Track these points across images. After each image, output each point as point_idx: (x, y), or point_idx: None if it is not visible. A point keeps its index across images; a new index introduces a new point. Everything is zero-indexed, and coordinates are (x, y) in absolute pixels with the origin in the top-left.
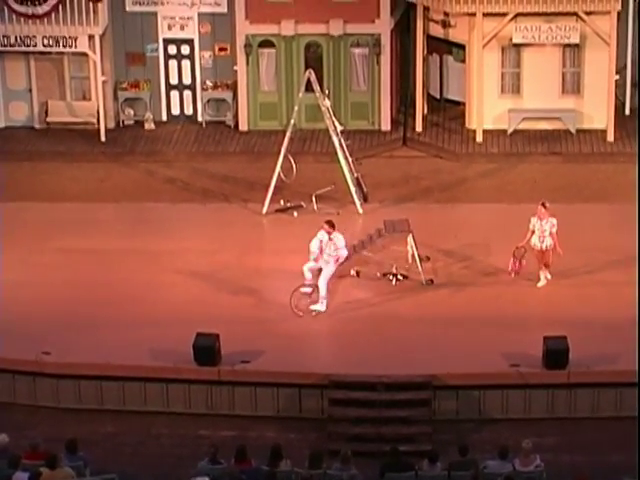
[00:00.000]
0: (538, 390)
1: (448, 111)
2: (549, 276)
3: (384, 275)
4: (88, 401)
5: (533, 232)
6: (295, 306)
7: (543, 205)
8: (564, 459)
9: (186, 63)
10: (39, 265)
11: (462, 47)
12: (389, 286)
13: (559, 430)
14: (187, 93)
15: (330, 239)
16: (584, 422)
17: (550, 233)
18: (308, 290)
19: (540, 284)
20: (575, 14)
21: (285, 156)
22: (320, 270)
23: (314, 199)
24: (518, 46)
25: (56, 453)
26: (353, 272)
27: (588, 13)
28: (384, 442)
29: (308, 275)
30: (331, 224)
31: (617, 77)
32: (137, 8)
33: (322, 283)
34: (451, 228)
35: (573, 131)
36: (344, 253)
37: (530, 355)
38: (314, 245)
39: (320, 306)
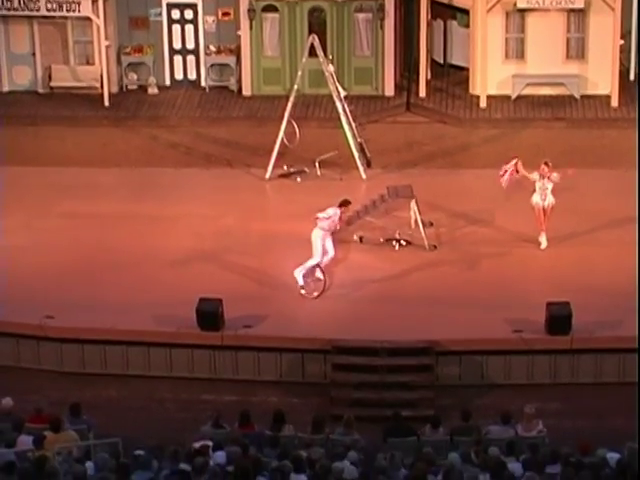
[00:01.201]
0: (541, 356)
1: (452, 76)
2: (545, 241)
3: (387, 241)
4: (92, 365)
5: (535, 190)
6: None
7: (546, 164)
8: (566, 424)
9: (189, 28)
10: (42, 230)
11: (466, 12)
12: (392, 251)
13: (562, 396)
14: (190, 58)
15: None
16: (587, 388)
17: (551, 190)
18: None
19: (543, 246)
20: None
21: (288, 121)
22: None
23: (317, 164)
24: (522, 11)
25: (60, 417)
26: (356, 237)
27: None
28: (386, 407)
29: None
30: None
31: (622, 42)
32: None
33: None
34: (454, 194)
35: (577, 96)
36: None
37: (533, 321)
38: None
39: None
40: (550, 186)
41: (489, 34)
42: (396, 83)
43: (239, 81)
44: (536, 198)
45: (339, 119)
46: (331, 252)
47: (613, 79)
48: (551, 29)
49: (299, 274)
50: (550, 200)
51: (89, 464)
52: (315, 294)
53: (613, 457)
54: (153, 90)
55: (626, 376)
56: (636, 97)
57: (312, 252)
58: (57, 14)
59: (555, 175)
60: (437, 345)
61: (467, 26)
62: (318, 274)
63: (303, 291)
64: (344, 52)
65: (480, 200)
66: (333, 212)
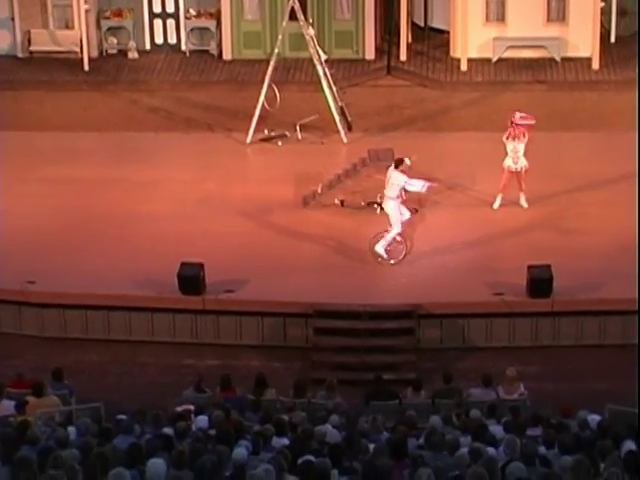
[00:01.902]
0: (522, 318)
1: (432, 40)
2: (525, 203)
3: (368, 204)
4: (73, 330)
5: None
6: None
7: (512, 124)
8: (548, 387)
9: None
10: (22, 195)
11: None
12: (373, 215)
13: (543, 358)
14: (170, 22)
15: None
16: (568, 350)
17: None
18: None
19: (496, 206)
20: None
21: (269, 85)
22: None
23: (298, 128)
24: None
25: (42, 381)
26: (337, 201)
27: None
28: (368, 371)
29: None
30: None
31: (602, 4)
32: None
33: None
34: (435, 157)
35: (558, 59)
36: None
37: (514, 284)
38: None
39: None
40: (522, 148)
41: None
42: (377, 46)
43: (219, 45)
44: (508, 161)
45: (320, 83)
46: (405, 214)
47: (594, 41)
48: None
49: (381, 248)
50: (523, 163)
51: (71, 429)
52: (400, 257)
53: (594, 419)
54: (133, 54)
55: (606, 338)
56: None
57: (391, 223)
58: None
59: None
60: (419, 308)
61: None
62: (397, 238)
63: (392, 261)
64: (324, 15)
65: (461, 163)
66: (395, 178)
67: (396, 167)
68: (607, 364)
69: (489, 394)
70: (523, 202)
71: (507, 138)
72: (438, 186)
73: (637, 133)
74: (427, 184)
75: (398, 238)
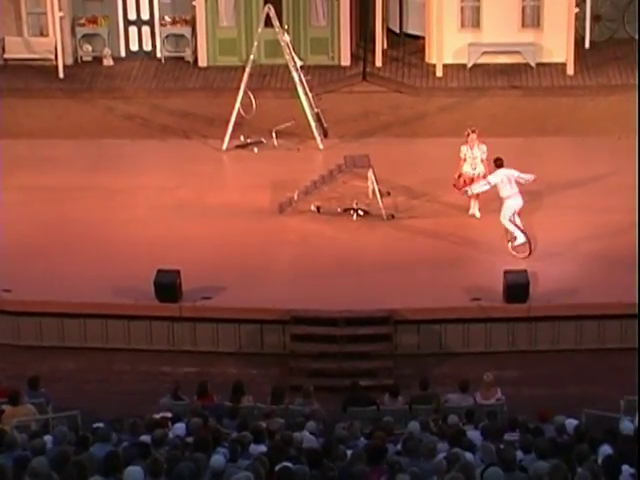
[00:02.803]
0: (499, 324)
1: (408, 45)
2: (478, 214)
3: (345, 210)
4: (49, 338)
5: (464, 160)
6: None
7: (473, 132)
8: (525, 392)
9: None
10: None
11: None
12: (350, 221)
13: (520, 363)
14: (145, 29)
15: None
16: (545, 355)
17: (481, 160)
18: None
19: (478, 215)
20: None
21: (245, 92)
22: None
23: (274, 135)
24: None
25: (18, 390)
26: (314, 207)
27: None
28: (345, 377)
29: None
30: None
31: (577, 10)
32: None
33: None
34: (411, 163)
35: (533, 65)
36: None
37: (491, 289)
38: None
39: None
40: (479, 155)
41: (445, 3)
42: (352, 53)
43: (195, 52)
44: (466, 168)
45: (295, 89)
46: (518, 203)
47: (568, 47)
48: None
49: (520, 237)
50: (480, 170)
51: (48, 437)
52: (525, 254)
53: (571, 424)
54: (108, 61)
55: (583, 343)
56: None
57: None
58: None
59: (484, 147)
60: (396, 314)
61: None
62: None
63: (521, 255)
64: (300, 22)
65: (437, 169)
66: (496, 178)
67: (499, 166)
68: (584, 369)
69: (466, 399)
70: (476, 211)
71: (467, 146)
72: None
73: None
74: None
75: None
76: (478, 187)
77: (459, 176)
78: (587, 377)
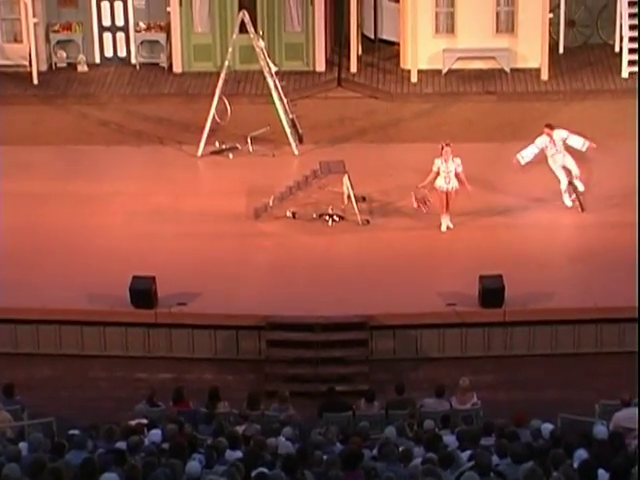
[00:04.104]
0: (474, 329)
1: (382, 51)
2: (450, 224)
3: (320, 216)
4: (24, 345)
5: (437, 174)
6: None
7: (447, 145)
8: (501, 396)
9: (119, 4)
10: None
11: None
12: (325, 227)
13: (496, 368)
14: (120, 35)
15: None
16: (520, 360)
17: (456, 173)
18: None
19: (444, 229)
20: None
21: (219, 98)
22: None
23: (249, 141)
24: None
25: None
26: (289, 213)
27: None
28: (321, 382)
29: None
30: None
31: (551, 15)
32: None
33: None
34: (386, 168)
35: (507, 70)
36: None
37: (466, 294)
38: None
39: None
40: (453, 168)
41: (419, 8)
42: (327, 58)
43: (169, 58)
44: (440, 181)
45: (270, 95)
46: (573, 169)
47: (543, 52)
48: (481, 3)
49: (567, 200)
50: (454, 184)
51: (23, 444)
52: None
53: (547, 428)
54: (83, 68)
55: (558, 348)
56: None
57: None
58: None
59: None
60: (371, 320)
61: (397, 1)
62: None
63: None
64: (274, 28)
65: (412, 174)
66: (542, 141)
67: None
68: (559, 373)
69: (442, 404)
70: (448, 223)
71: (441, 159)
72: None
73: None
74: (588, 143)
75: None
76: (527, 152)
77: (423, 187)
78: (563, 382)
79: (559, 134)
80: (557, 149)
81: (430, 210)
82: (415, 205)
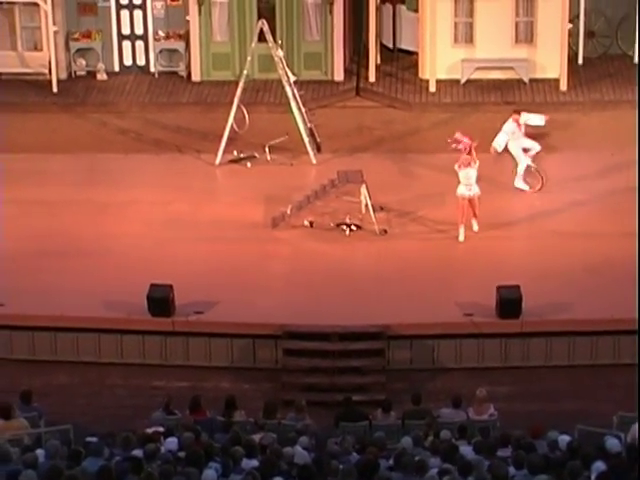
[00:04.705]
0: (492, 339)
1: (401, 61)
2: (476, 227)
3: (338, 225)
4: (42, 352)
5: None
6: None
7: (469, 153)
8: (517, 407)
9: (138, 13)
10: None
11: None
12: (343, 236)
13: (513, 379)
14: (139, 43)
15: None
16: (537, 371)
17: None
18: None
19: (461, 238)
20: None
21: (238, 106)
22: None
23: (267, 150)
24: None
25: (10, 404)
26: (307, 222)
27: None
28: (338, 392)
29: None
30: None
31: (570, 26)
32: None
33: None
34: (404, 178)
35: (526, 80)
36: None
37: (483, 304)
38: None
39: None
40: (474, 175)
41: (438, 18)
42: (345, 68)
43: (188, 66)
44: (461, 189)
45: (289, 104)
46: (534, 147)
47: (562, 63)
48: (500, 13)
49: (519, 182)
50: (475, 190)
51: (40, 451)
52: (537, 187)
53: (564, 440)
54: (102, 76)
55: (576, 359)
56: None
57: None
58: (4, 0)
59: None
60: (388, 329)
61: (416, 10)
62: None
63: (530, 189)
64: (293, 37)
65: (430, 184)
66: (510, 127)
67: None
68: (577, 385)
69: (459, 415)
70: (475, 226)
71: (459, 167)
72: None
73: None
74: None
75: (531, 168)
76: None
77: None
78: (580, 393)
79: (523, 118)
80: (522, 132)
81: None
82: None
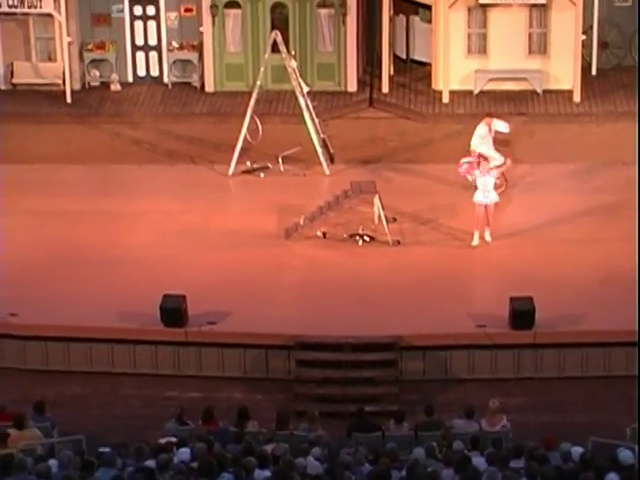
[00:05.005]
0: (504, 350)
1: (414, 72)
2: (489, 238)
3: (351, 236)
4: (55, 363)
5: (476, 188)
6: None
7: (485, 159)
8: (530, 419)
9: (152, 24)
10: (5, 227)
11: (428, 8)
12: (356, 247)
13: (525, 390)
14: (153, 54)
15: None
16: (550, 382)
17: (494, 185)
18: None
19: (475, 243)
20: None
21: (251, 117)
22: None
23: (280, 160)
24: (484, 6)
25: (23, 414)
26: (319, 233)
27: None
28: (351, 403)
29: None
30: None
31: (584, 37)
32: None
33: None
34: (418, 189)
35: (539, 91)
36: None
37: (496, 316)
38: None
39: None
40: (492, 182)
41: (451, 29)
42: (359, 79)
43: (202, 77)
44: (478, 195)
45: (302, 115)
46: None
47: (575, 74)
48: (513, 24)
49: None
50: (493, 197)
51: (53, 462)
52: (500, 189)
53: (577, 451)
54: (116, 87)
55: (589, 370)
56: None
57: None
58: (19, 10)
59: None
60: (401, 340)
61: (429, 21)
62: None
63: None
64: (307, 48)
65: (443, 195)
66: (483, 130)
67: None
68: (590, 396)
69: (472, 426)
70: (488, 236)
71: (481, 173)
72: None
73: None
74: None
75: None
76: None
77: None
78: (593, 404)
79: (494, 123)
80: (491, 137)
81: (466, 173)
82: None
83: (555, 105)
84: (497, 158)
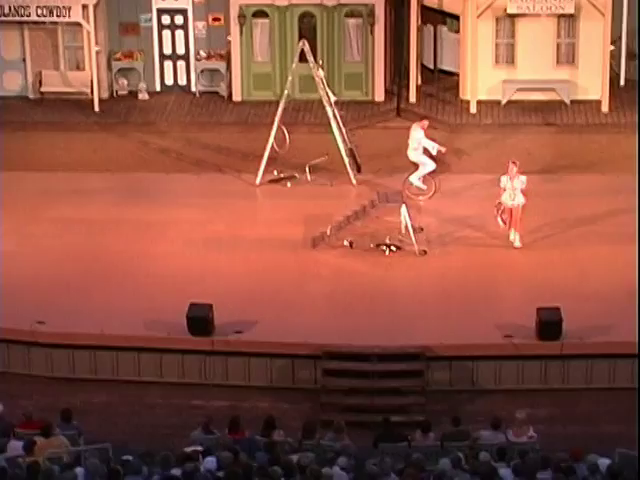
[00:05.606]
0: (531, 361)
1: (442, 82)
2: (518, 243)
3: (377, 246)
4: (82, 371)
5: (504, 190)
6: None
7: (514, 164)
8: (557, 430)
9: (180, 33)
10: (33, 235)
11: (456, 18)
12: (382, 257)
13: (552, 401)
14: (181, 63)
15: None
16: (577, 393)
17: (521, 190)
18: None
19: (517, 244)
20: None
21: (278, 127)
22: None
23: (307, 170)
24: (512, 16)
25: (50, 422)
26: (346, 243)
27: None
28: (377, 413)
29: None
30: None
31: (612, 48)
32: None
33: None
34: (445, 199)
35: (567, 102)
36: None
37: (523, 326)
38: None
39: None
40: (519, 186)
41: (479, 39)
42: (386, 88)
43: (229, 86)
44: (505, 198)
45: (329, 124)
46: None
47: (603, 84)
48: (541, 34)
49: (416, 180)
50: (519, 200)
51: (79, 470)
52: (430, 193)
53: (604, 463)
54: (143, 96)
55: (616, 381)
56: (636, 102)
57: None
58: (47, 20)
59: (523, 178)
60: (428, 350)
61: (457, 31)
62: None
63: (421, 197)
64: (334, 57)
65: (470, 205)
66: (418, 133)
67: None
68: (617, 407)
69: (498, 437)
70: (517, 242)
71: (511, 179)
72: (445, 152)
73: (637, 166)
74: (437, 147)
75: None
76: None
77: (499, 204)
78: (621, 416)
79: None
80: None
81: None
82: (500, 222)
83: (583, 115)
84: (428, 163)
